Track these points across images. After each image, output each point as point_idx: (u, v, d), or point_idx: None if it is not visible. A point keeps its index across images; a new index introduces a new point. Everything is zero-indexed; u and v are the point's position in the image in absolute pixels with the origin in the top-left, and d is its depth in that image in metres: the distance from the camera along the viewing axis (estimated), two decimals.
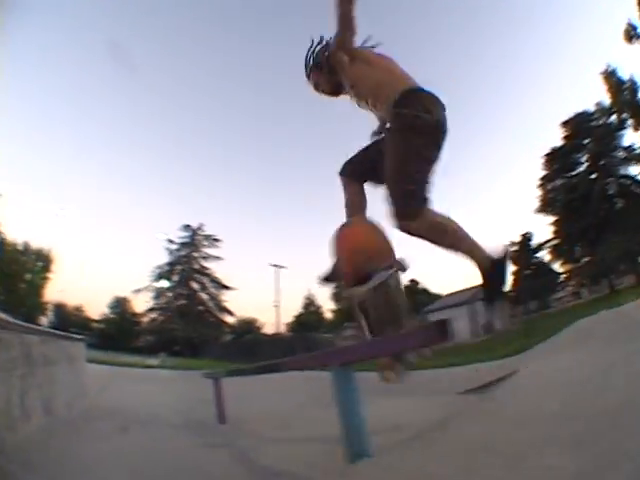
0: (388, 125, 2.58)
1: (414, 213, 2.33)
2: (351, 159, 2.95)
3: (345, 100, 2.96)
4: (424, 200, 2.34)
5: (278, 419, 5.04)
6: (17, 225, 76.61)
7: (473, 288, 37.67)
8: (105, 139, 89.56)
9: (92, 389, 7.54)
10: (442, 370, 8.99)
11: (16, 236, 49.47)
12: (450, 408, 4.23)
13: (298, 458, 3.16)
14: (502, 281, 2.43)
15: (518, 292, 39.45)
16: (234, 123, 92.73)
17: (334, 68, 2.80)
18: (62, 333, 5.72)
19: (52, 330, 5.14)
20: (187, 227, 58.80)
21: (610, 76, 33.90)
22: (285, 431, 4.25)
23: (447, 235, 2.42)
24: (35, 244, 51.08)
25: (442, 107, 2.43)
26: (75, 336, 7.33)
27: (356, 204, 2.91)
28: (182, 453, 3.50)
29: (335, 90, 2.99)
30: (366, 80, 2.64)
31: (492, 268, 2.41)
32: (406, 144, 2.35)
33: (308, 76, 3.05)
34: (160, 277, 56.25)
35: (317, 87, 3.04)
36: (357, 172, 2.92)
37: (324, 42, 2.95)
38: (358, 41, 2.72)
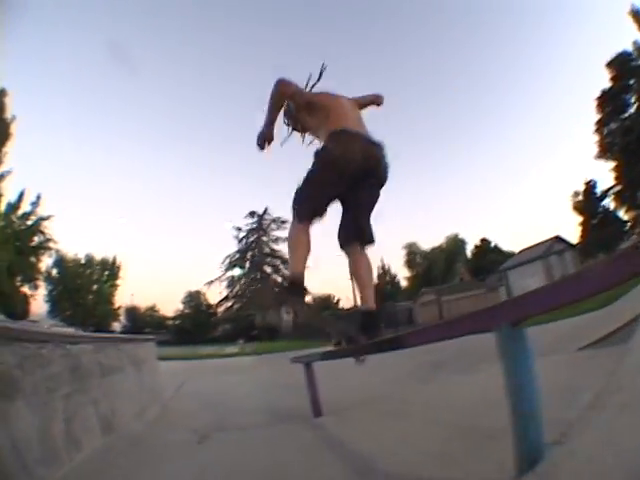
0: None
1: (293, 216, 3.27)
2: (340, 228, 3.49)
3: None
4: (304, 213, 3.23)
5: (384, 404, 4.18)
6: (78, 240, 79.42)
7: (545, 242, 36.20)
8: (158, 137, 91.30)
9: (168, 390, 7.00)
10: (540, 327, 8.07)
11: (78, 251, 51.53)
12: (588, 366, 3.40)
13: (428, 455, 2.29)
14: (292, 293, 3.22)
15: (587, 243, 37.39)
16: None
17: (299, 120, 3.63)
18: (125, 336, 5.08)
19: (111, 335, 4.46)
20: (253, 213, 58.74)
21: (637, 15, 32.30)
22: (402, 419, 3.36)
23: (290, 246, 3.26)
24: (99, 255, 52.87)
25: (359, 146, 3.03)
26: (141, 336, 6.77)
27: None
28: (275, 462, 2.67)
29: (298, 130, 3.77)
30: (314, 129, 3.52)
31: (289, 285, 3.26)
32: (312, 168, 3.18)
33: (287, 126, 3.75)
34: (232, 266, 56.77)
35: (296, 130, 3.77)
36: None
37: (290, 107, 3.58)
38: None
